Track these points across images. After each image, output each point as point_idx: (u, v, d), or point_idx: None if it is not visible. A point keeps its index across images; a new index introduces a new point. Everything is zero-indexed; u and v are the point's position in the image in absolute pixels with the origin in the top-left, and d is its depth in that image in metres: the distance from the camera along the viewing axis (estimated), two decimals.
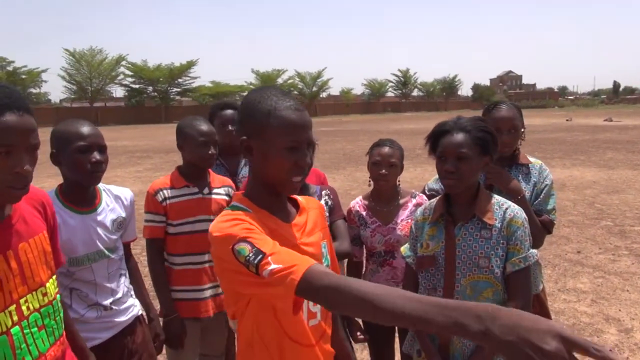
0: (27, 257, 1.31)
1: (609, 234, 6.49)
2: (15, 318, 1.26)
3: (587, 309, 4.26)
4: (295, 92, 69.09)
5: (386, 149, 2.46)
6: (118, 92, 64.33)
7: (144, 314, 2.24)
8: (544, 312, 2.55)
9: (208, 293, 2.39)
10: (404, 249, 2.02)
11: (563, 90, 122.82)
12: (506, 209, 1.82)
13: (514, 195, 2.19)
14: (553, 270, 5.20)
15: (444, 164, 1.78)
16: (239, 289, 1.21)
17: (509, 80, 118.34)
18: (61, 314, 1.44)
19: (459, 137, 1.77)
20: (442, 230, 1.85)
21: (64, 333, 1.46)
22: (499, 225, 1.79)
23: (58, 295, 1.43)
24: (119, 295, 1.98)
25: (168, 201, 2.33)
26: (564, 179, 10.80)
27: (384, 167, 2.44)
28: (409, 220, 2.45)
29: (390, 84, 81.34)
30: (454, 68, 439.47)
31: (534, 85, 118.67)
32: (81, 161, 1.81)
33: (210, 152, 2.33)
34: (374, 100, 77.25)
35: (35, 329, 1.31)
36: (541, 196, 2.41)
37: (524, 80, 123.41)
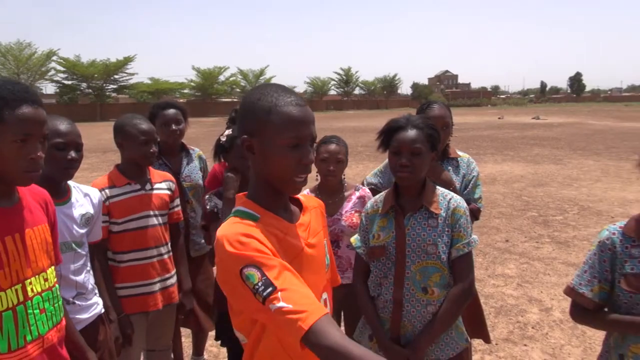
0: (32, 242, 1.43)
1: (534, 224, 7.03)
2: (21, 297, 1.37)
3: (513, 292, 4.65)
4: (237, 90, 68.38)
5: (333, 146, 2.60)
6: (49, 88, 61.09)
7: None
8: (474, 298, 2.80)
9: (157, 287, 2.44)
10: (354, 240, 2.10)
11: (495, 90, 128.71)
12: (450, 199, 1.97)
13: (446, 187, 2.40)
14: (484, 259, 5.59)
15: (399, 158, 1.89)
16: (242, 308, 1.19)
17: (445, 80, 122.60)
18: (60, 302, 1.54)
19: (413, 133, 1.89)
20: (392, 221, 1.96)
21: (63, 321, 1.55)
22: (444, 214, 1.93)
23: (57, 285, 1.54)
24: (84, 291, 2.01)
25: (110, 200, 2.35)
26: (495, 174, 11.48)
27: (332, 164, 2.59)
28: (353, 212, 2.62)
29: (333, 82, 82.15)
30: (394, 67, 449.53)
31: (469, 84, 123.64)
32: (57, 158, 1.87)
33: (151, 150, 2.39)
34: (317, 99, 77.65)
35: (37, 310, 1.42)
36: (469, 187, 2.66)
37: (460, 80, 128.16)
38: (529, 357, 3.49)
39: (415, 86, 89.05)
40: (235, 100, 67.56)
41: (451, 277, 1.93)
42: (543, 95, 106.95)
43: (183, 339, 3.38)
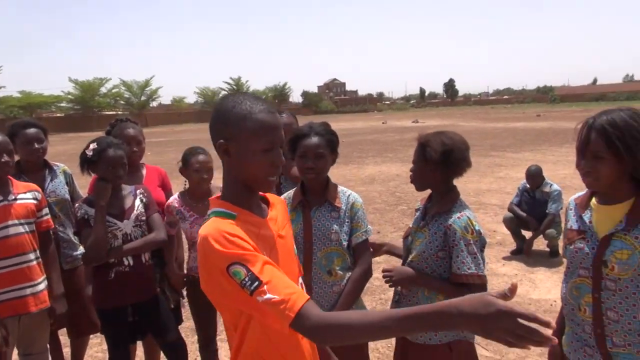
0: None
1: (403, 216, 7.86)
2: None
3: (378, 275, 5.26)
4: (122, 102, 65.00)
5: (202, 157, 2.93)
6: None
7: None
8: None
9: (27, 292, 2.58)
10: None
11: (380, 96, 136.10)
12: (349, 195, 2.32)
13: (296, 181, 2.81)
14: None
15: (306, 161, 2.22)
16: (227, 302, 1.28)
17: (334, 87, 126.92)
18: None
19: (316, 139, 2.23)
20: (300, 214, 2.28)
21: None
22: (344, 207, 2.27)
23: None
24: None
25: None
26: (374, 174, 12.45)
27: (205, 173, 2.92)
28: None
29: (224, 92, 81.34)
30: (284, 76, 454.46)
31: (356, 91, 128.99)
32: None
33: (3, 160, 2.54)
34: (207, 109, 76.37)
35: None
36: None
37: (348, 87, 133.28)
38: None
39: (305, 94, 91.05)
40: (120, 112, 64.17)
41: (352, 261, 2.28)
42: (423, 100, 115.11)
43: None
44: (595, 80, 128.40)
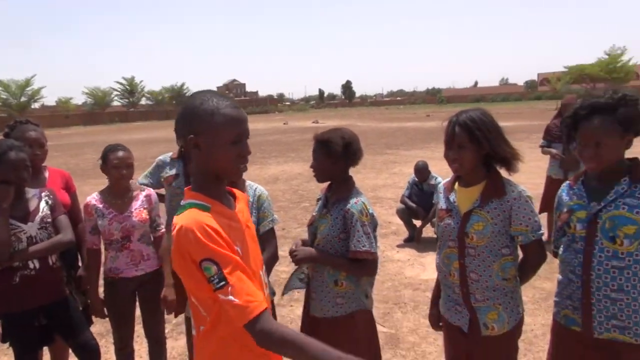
0: None
1: (306, 212, 8.20)
2: None
3: (285, 269, 5.54)
4: None
5: (121, 153, 2.95)
6: None
7: None
8: None
9: None
10: None
11: (281, 97, 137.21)
12: (255, 188, 2.55)
13: None
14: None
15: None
16: (193, 289, 1.42)
17: (234, 88, 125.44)
18: None
19: None
20: None
21: None
22: (252, 200, 2.50)
23: None
24: None
25: None
26: (277, 174, 12.72)
27: (124, 169, 2.94)
28: (142, 209, 3.01)
29: (116, 92, 77.04)
30: (182, 76, 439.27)
31: (257, 92, 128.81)
32: None
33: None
34: (98, 110, 71.79)
35: None
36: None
37: (248, 88, 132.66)
38: (294, 315, 4.34)
39: None
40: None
41: (260, 247, 2.48)
42: (322, 101, 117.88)
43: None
44: (476, 83, 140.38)
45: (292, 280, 2.59)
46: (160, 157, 3.51)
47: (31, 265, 2.63)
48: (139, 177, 3.37)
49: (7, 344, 2.77)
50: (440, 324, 2.34)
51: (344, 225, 2.33)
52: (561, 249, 1.98)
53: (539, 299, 4.42)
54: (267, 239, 2.54)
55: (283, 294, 2.68)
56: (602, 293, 1.80)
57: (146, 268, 3.00)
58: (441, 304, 2.28)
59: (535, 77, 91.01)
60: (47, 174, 3.09)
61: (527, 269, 2.12)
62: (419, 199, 6.46)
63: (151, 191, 3.13)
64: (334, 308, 2.37)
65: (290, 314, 4.41)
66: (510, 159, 2.01)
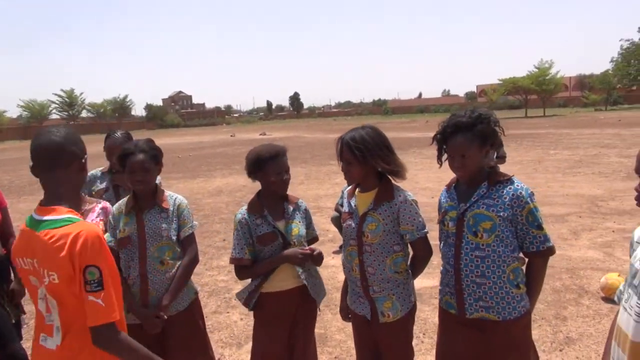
0: None
1: None
2: None
3: (224, 277, 5.72)
4: None
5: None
6: None
7: None
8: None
9: None
10: (107, 236, 2.68)
11: (229, 109, 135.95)
12: (175, 198, 2.74)
13: None
14: (203, 257, 6.54)
15: (134, 176, 2.58)
16: (72, 283, 1.62)
17: (180, 100, 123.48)
18: None
19: (141, 156, 2.59)
20: (133, 217, 2.62)
21: None
22: (172, 208, 2.68)
23: None
24: None
25: None
26: (221, 186, 12.81)
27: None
28: (98, 220, 3.12)
29: (54, 105, 74.00)
30: (124, 89, 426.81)
31: (204, 104, 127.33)
32: None
33: None
34: (35, 124, 68.56)
35: None
36: None
37: (194, 100, 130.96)
38: (230, 320, 4.54)
39: (149, 107, 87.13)
40: None
41: (180, 251, 2.67)
42: (270, 113, 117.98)
43: None
44: (420, 94, 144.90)
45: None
46: (91, 172, 3.67)
47: None
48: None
49: None
50: (350, 315, 2.63)
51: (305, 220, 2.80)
52: (441, 243, 2.33)
53: None
54: (188, 244, 2.74)
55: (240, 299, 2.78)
56: (470, 279, 2.15)
57: None
58: (348, 298, 2.58)
59: (474, 89, 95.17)
60: None
61: (417, 263, 2.46)
62: None
63: (107, 203, 3.23)
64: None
65: (226, 319, 4.59)
66: (394, 170, 2.35)
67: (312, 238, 2.80)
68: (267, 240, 2.60)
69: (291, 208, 2.71)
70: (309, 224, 2.79)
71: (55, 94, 74.40)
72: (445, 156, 2.25)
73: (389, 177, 2.41)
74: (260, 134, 38.75)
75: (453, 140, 2.15)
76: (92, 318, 1.63)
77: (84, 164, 1.87)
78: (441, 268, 2.34)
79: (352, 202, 2.47)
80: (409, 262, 2.46)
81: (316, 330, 4.32)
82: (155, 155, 2.70)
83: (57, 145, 1.77)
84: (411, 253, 2.46)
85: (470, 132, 2.11)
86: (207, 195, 11.50)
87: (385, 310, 2.37)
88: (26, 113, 72.32)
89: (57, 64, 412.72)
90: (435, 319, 4.33)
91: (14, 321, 3.13)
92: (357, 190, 2.49)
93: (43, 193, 1.77)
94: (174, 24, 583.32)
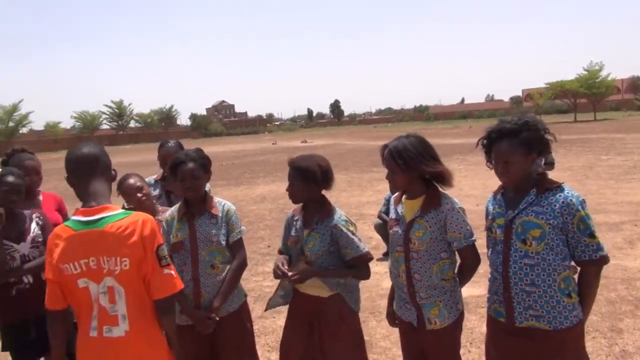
0: None
1: None
2: None
3: (269, 283, 5.81)
4: None
5: (132, 180, 3.24)
6: None
7: None
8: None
9: None
10: None
11: (270, 117, 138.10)
12: (224, 204, 2.82)
13: None
14: (249, 263, 6.66)
15: (184, 183, 2.69)
16: (142, 265, 1.92)
17: (223, 110, 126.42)
18: None
19: (191, 165, 2.69)
20: (185, 223, 2.74)
21: None
22: (221, 214, 2.77)
23: None
24: None
25: None
26: (264, 194, 13.02)
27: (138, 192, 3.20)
28: None
29: (105, 115, 77.26)
30: (170, 99, 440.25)
31: (246, 113, 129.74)
32: None
33: None
34: (86, 134, 71.86)
35: None
36: None
37: (237, 109, 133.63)
38: (276, 325, 4.61)
39: (194, 117, 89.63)
40: None
41: (230, 255, 2.76)
42: (311, 120, 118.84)
43: None
44: (463, 100, 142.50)
45: (274, 298, 2.83)
46: (146, 179, 3.85)
47: (25, 280, 2.90)
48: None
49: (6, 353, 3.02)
50: (397, 321, 2.64)
51: (331, 239, 2.60)
52: (489, 251, 2.31)
53: None
54: (236, 248, 2.83)
55: (266, 309, 2.93)
56: (519, 287, 2.13)
57: None
58: (395, 303, 2.59)
59: (520, 93, 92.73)
60: (41, 198, 3.39)
61: (464, 271, 2.45)
62: None
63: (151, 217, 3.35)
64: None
65: (272, 324, 4.67)
66: (441, 177, 2.35)
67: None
68: (292, 243, 2.73)
69: (318, 220, 2.66)
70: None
71: (106, 105, 77.71)
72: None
73: (436, 184, 2.41)
74: (302, 142, 39.09)
75: (497, 146, 2.15)
76: (167, 288, 1.97)
77: (114, 175, 2.14)
78: (489, 276, 2.32)
79: (399, 209, 2.48)
80: (456, 270, 2.45)
81: None
82: (204, 164, 2.80)
83: (95, 156, 2.04)
84: (458, 261, 2.45)
85: (515, 138, 2.10)
86: (251, 202, 11.71)
87: (432, 317, 2.37)
88: (79, 124, 75.83)
89: (107, 76, 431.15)
90: (482, 328, 4.30)
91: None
92: (403, 197, 2.51)
93: (81, 200, 2.04)
94: (218, 35, 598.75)
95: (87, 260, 1.90)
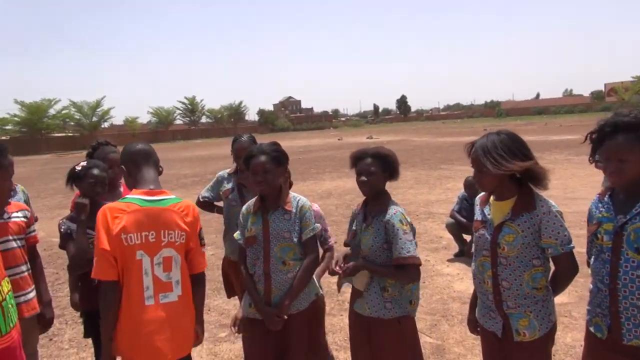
0: None
1: None
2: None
3: (333, 279, 5.72)
4: (72, 124, 63.28)
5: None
6: None
7: None
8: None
9: (21, 299, 2.85)
10: (237, 234, 2.82)
11: (336, 113, 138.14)
12: (298, 200, 2.73)
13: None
14: None
15: (256, 177, 2.65)
16: (189, 242, 2.31)
17: (290, 105, 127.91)
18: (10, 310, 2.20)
19: (262, 158, 2.64)
20: (260, 217, 2.70)
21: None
22: (295, 210, 2.69)
23: (8, 295, 2.17)
24: None
25: None
26: (330, 189, 12.99)
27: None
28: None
29: (178, 111, 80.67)
30: (239, 95, 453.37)
31: (312, 109, 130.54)
32: None
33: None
34: (162, 129, 75.38)
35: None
36: None
37: (303, 105, 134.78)
38: (343, 323, 4.52)
39: (261, 113, 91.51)
40: (70, 134, 62.30)
41: (302, 253, 2.70)
42: (377, 116, 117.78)
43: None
44: (538, 95, 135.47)
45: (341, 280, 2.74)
46: (220, 173, 3.90)
47: None
48: (202, 190, 3.74)
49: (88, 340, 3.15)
50: (478, 329, 2.46)
51: (385, 235, 2.51)
52: (592, 259, 2.07)
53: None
54: (309, 246, 2.74)
55: (338, 290, 2.88)
56: (629, 301, 1.88)
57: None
58: (477, 310, 2.41)
59: (602, 88, 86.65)
60: (122, 189, 3.49)
61: (559, 281, 2.22)
62: (469, 214, 6.47)
63: (316, 207, 3.24)
64: (381, 311, 2.53)
65: (340, 322, 4.59)
66: (535, 177, 2.13)
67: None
68: (350, 237, 2.74)
69: (375, 214, 2.59)
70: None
71: (179, 101, 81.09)
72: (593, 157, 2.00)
73: (530, 185, 2.19)
74: (367, 137, 38.82)
75: (611, 141, 1.90)
76: (203, 265, 2.41)
77: (161, 170, 2.49)
78: (591, 286, 2.08)
79: (486, 211, 2.29)
80: (549, 278, 2.23)
81: (432, 342, 4.18)
82: (276, 157, 2.73)
83: (150, 150, 2.49)
84: (552, 268, 2.23)
85: (633, 134, 1.85)
86: (317, 198, 11.71)
87: (521, 328, 2.17)
88: (154, 119, 79.69)
89: (181, 73, 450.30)
90: (566, 339, 3.99)
91: None
92: (491, 197, 2.31)
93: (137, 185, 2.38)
94: (285, 33, 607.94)
95: (148, 233, 2.21)
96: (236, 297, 3.97)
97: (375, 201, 2.61)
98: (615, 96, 55.20)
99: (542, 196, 2.18)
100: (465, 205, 6.58)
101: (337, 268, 2.56)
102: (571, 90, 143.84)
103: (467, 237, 6.47)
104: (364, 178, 2.57)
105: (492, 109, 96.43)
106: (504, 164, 2.09)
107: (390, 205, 2.57)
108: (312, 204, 3.28)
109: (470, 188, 6.49)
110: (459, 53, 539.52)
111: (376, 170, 2.55)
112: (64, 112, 61.97)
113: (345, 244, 2.80)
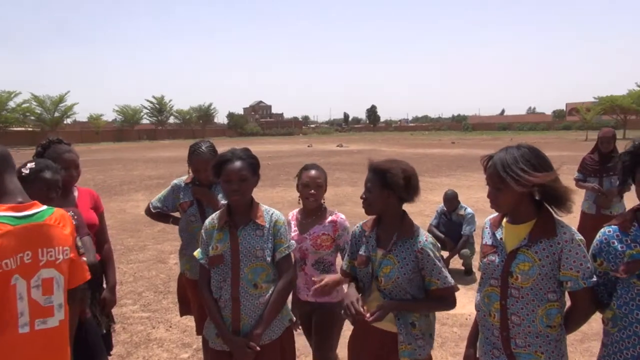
0: None
1: None
2: None
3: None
4: (32, 118, 60.80)
5: (313, 172, 2.99)
6: None
7: None
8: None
9: None
10: (197, 253, 2.45)
11: (306, 120, 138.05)
12: (272, 213, 2.44)
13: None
14: None
15: (230, 185, 2.34)
16: (71, 254, 1.98)
17: (260, 110, 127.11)
18: None
19: (239, 163, 2.35)
20: (227, 233, 2.37)
21: None
22: (268, 225, 2.39)
23: None
24: None
25: None
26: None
27: (313, 188, 2.95)
28: (321, 234, 2.95)
29: (145, 110, 78.74)
30: (209, 97, 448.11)
31: (282, 114, 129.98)
32: None
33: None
34: (127, 128, 73.42)
35: None
36: None
37: (274, 110, 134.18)
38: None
39: (231, 116, 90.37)
40: (30, 129, 59.79)
41: (276, 274, 2.39)
42: (346, 124, 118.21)
43: None
44: (503, 111, 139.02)
45: None
46: (175, 181, 3.50)
47: None
48: (153, 199, 3.39)
49: None
50: None
51: (415, 265, 2.20)
52: (616, 300, 1.83)
53: (574, 340, 4.20)
54: (283, 266, 2.43)
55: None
56: None
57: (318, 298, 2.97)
58: (479, 346, 2.15)
59: (563, 107, 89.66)
60: (76, 194, 3.07)
61: (575, 318, 1.97)
62: (447, 229, 6.29)
63: (339, 216, 3.05)
64: (416, 351, 2.23)
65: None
66: (557, 198, 1.89)
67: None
68: (361, 264, 2.33)
69: (396, 239, 2.25)
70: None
71: (147, 100, 79.09)
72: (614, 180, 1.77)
73: (550, 208, 1.95)
74: (337, 146, 38.73)
75: None
76: (82, 277, 2.07)
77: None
78: (614, 332, 1.83)
79: (498, 234, 2.03)
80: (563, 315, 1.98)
81: None
82: (252, 164, 2.42)
83: (9, 154, 2.04)
84: (567, 303, 1.99)
85: None
86: (287, 205, 11.37)
87: None
88: (120, 117, 77.48)
89: (149, 72, 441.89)
90: None
91: (104, 331, 3.00)
92: (504, 219, 2.06)
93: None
94: (257, 36, 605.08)
95: (23, 254, 1.85)
96: (192, 316, 3.60)
97: (396, 224, 2.28)
98: (577, 115, 57.01)
99: (562, 221, 1.93)
100: (444, 220, 6.40)
101: (362, 310, 2.16)
102: (534, 108, 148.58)
103: (445, 254, 6.28)
104: (363, 195, 2.28)
105: (459, 123, 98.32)
106: (526, 178, 1.83)
107: (418, 228, 2.27)
108: (338, 213, 3.05)
109: (450, 202, 6.31)
110: (428, 66, 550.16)
111: (372, 186, 2.25)
112: (24, 105, 59.38)
113: (344, 273, 2.46)
